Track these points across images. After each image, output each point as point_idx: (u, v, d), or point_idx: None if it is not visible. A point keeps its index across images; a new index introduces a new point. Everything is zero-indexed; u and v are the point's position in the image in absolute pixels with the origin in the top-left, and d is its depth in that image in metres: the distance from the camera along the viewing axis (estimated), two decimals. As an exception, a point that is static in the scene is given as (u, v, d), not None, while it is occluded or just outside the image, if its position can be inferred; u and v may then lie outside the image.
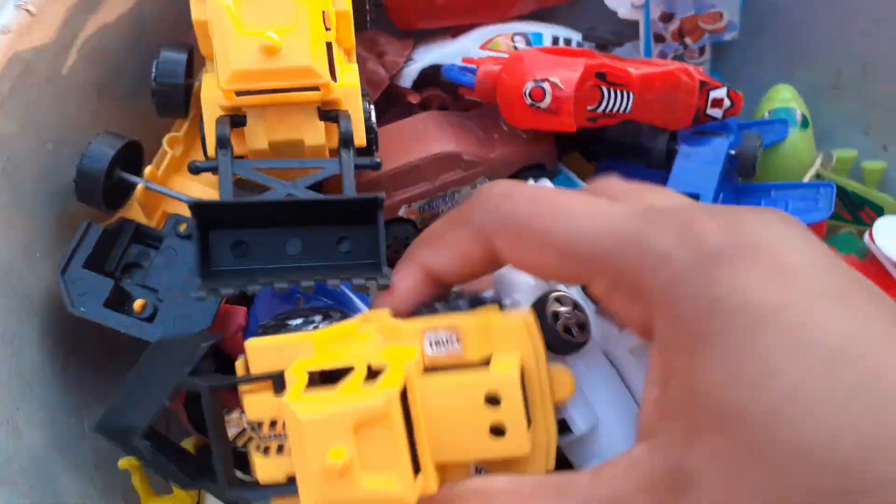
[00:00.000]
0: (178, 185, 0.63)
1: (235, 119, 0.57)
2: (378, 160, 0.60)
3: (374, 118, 0.63)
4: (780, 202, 0.69)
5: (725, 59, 0.81)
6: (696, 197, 0.68)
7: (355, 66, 0.63)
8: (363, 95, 0.61)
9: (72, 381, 0.62)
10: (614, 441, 0.50)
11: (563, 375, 0.48)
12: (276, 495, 0.46)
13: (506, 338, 0.48)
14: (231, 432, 0.51)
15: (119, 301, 0.60)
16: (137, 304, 0.60)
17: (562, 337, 0.49)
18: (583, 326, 0.50)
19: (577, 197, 0.42)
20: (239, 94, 0.55)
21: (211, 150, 0.57)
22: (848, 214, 0.75)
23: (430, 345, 0.47)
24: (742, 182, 0.73)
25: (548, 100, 0.64)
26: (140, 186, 0.60)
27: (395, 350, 0.46)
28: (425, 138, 0.70)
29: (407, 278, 0.47)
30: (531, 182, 0.45)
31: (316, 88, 0.56)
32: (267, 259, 0.55)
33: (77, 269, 0.59)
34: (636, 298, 0.38)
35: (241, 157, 0.58)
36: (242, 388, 0.46)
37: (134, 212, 0.63)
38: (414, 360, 0.46)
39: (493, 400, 0.45)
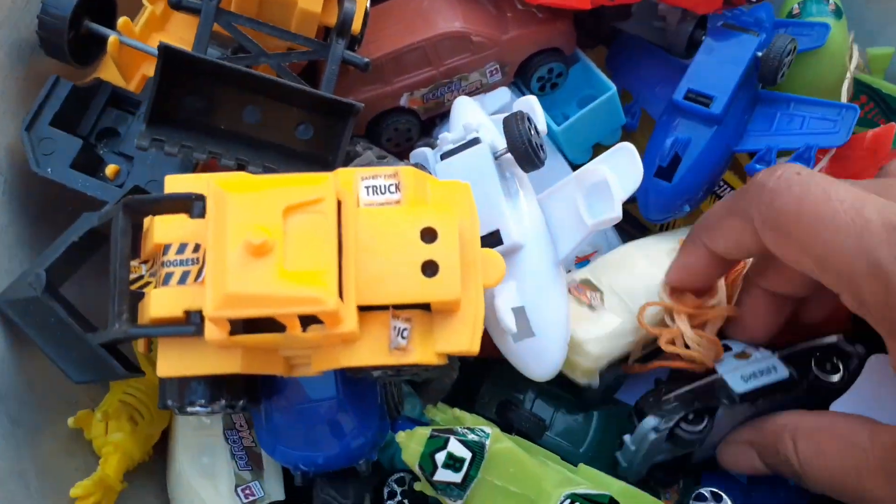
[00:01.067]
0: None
1: None
2: (366, 60, 0.55)
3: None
4: (796, 119, 0.63)
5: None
6: (709, 99, 0.63)
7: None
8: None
9: (38, 251, 0.57)
10: (535, 265, 0.52)
11: (496, 259, 0.46)
12: (170, 335, 0.42)
13: (443, 199, 0.46)
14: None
15: (90, 165, 0.56)
16: (110, 169, 0.56)
17: (534, 148, 0.51)
18: (543, 148, 0.53)
19: (846, 202, 0.42)
20: None
21: None
22: (884, 120, 0.68)
23: (367, 191, 0.44)
24: (763, 89, 0.66)
25: None
26: (113, 40, 0.55)
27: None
28: (430, 16, 0.63)
29: (694, 257, 0.53)
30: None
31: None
32: (223, 120, 0.52)
33: (44, 127, 0.55)
34: (877, 321, 0.42)
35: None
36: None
37: (110, 72, 0.59)
38: (345, 182, 0.43)
39: (428, 235, 0.42)
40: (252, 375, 0.45)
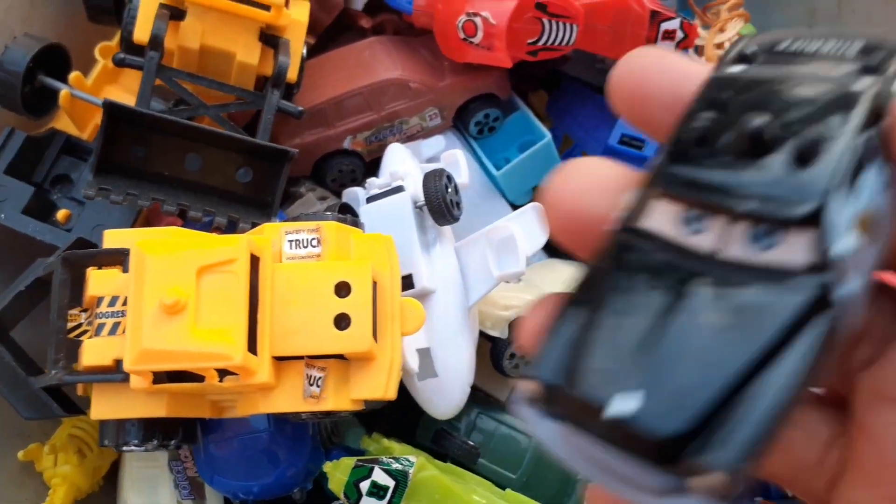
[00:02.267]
0: (110, 96, 0.61)
1: (175, 11, 0.56)
2: (300, 109, 0.58)
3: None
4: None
5: (700, -2, 0.77)
6: (641, 143, 0.66)
7: (308, 5, 0.61)
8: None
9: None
10: (443, 309, 0.56)
11: (416, 309, 0.48)
12: (101, 381, 0.46)
13: (365, 252, 0.49)
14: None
15: (42, 210, 0.59)
16: (61, 214, 0.59)
17: (447, 205, 0.55)
18: (459, 206, 0.57)
19: None
20: None
21: (139, 34, 0.55)
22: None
23: (290, 245, 0.47)
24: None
25: (480, 35, 0.61)
26: (65, 94, 0.58)
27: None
28: (371, 65, 0.67)
29: None
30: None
31: (267, 8, 0.56)
32: (167, 168, 0.55)
33: (-1, 175, 0.59)
34: None
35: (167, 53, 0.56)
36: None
37: (64, 122, 0.62)
38: (262, 241, 0.46)
39: (342, 289, 0.45)
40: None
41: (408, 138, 0.69)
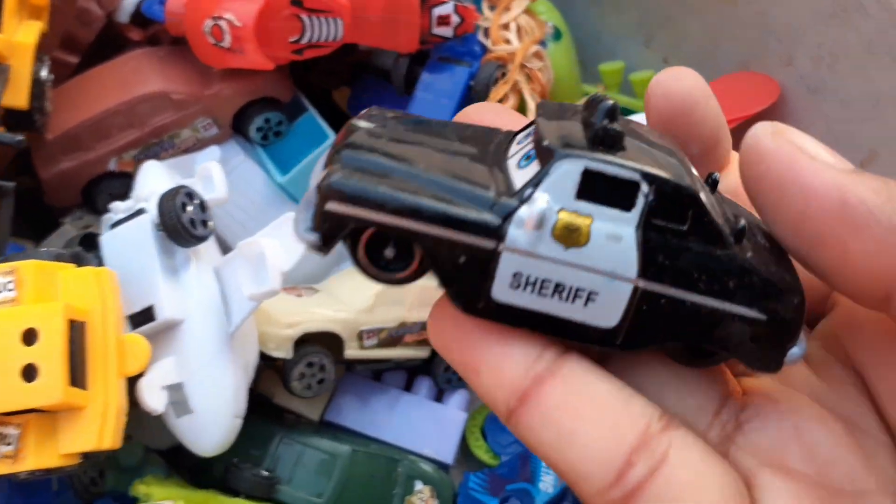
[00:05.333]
0: None
1: None
2: (19, 138, 0.53)
3: (46, 82, 0.57)
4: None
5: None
6: None
7: (38, 25, 0.57)
8: (41, 59, 0.56)
9: None
10: (196, 339, 0.51)
11: (138, 346, 0.44)
12: None
13: (72, 291, 0.44)
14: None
15: None
16: None
17: (184, 226, 0.50)
18: (206, 224, 0.52)
19: None
20: None
21: None
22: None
23: None
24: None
25: (228, 39, 0.57)
26: None
27: None
28: (130, 79, 0.62)
29: None
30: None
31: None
32: None
33: None
34: None
35: None
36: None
37: None
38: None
39: (30, 337, 0.41)
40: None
41: (183, 151, 0.64)
